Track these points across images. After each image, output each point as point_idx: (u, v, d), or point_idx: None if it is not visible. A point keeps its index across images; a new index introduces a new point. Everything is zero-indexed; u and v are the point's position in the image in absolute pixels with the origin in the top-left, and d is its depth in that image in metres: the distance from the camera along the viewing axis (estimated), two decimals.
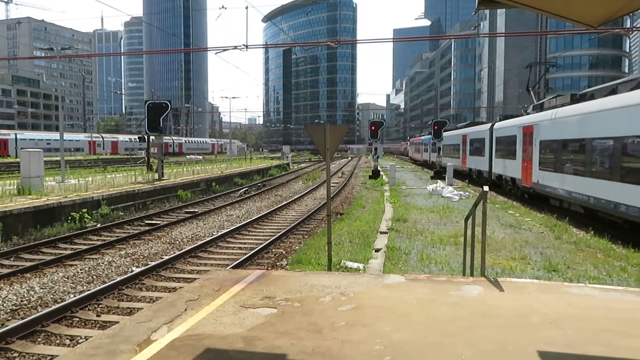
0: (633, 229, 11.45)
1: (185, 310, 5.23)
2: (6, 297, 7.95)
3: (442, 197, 20.00)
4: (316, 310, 5.21)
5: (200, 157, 76.43)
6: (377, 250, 9.76)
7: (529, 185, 18.68)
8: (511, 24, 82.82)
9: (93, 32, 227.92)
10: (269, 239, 12.57)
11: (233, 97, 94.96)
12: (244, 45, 23.77)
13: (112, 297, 8.06)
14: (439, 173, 32.56)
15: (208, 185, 25.92)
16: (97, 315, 7.21)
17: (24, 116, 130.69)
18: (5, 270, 9.59)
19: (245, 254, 11.04)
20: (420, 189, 23.96)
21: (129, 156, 66.45)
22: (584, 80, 79.42)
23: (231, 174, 30.46)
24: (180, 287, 7.77)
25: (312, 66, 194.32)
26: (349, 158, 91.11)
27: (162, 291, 8.50)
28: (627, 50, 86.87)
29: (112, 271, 9.75)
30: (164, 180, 23.71)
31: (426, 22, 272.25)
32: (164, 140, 33.42)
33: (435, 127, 34.73)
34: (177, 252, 10.98)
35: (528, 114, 21.07)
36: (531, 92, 23.71)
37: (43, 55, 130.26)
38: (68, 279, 9.09)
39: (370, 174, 34.18)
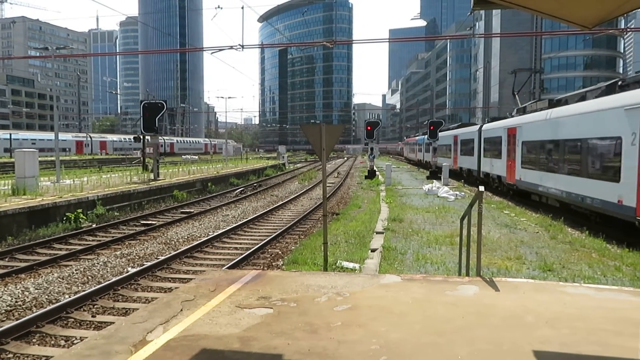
0: (601, 220, 12.79)
1: (181, 310, 5.22)
2: (1, 297, 7.91)
3: (438, 197, 20.04)
4: (312, 310, 5.21)
5: (196, 157, 75.98)
6: (373, 250, 9.77)
7: (513, 183, 20.11)
8: (506, 25, 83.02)
9: (88, 31, 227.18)
10: (264, 239, 12.56)
11: (229, 97, 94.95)
12: (239, 45, 23.74)
13: (107, 297, 8.03)
14: (434, 173, 32.64)
15: (204, 185, 25.87)
16: (93, 316, 7.19)
17: (19, 116, 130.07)
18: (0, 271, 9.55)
19: (241, 254, 11.03)
20: (416, 189, 24.00)
21: (125, 156, 66.15)
22: (578, 81, 79.72)
23: (227, 174, 30.42)
24: (176, 288, 7.76)
25: (308, 66, 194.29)
26: (345, 158, 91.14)
27: (157, 292, 8.48)
28: (622, 51, 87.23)
29: (107, 272, 9.72)
30: (159, 180, 23.66)
31: (422, 23, 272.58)
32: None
33: (431, 127, 34.75)
34: (173, 253, 10.96)
35: (513, 116, 22.54)
36: (516, 96, 24.91)
37: (38, 54, 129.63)
38: (63, 279, 9.06)
39: (366, 174, 34.20)
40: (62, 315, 7.06)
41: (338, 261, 8.86)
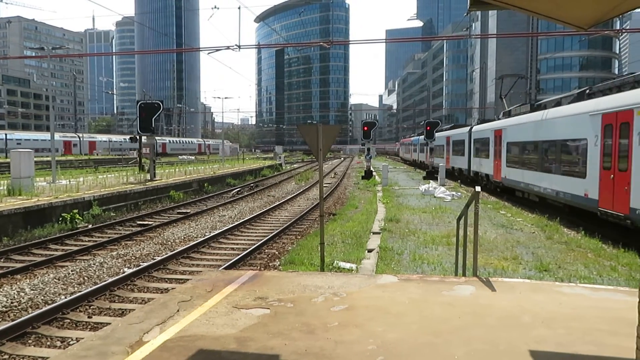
0: (571, 211, 14.70)
1: (178, 311, 5.21)
2: None
3: (435, 197, 20.07)
4: (309, 310, 5.21)
5: (193, 157, 75.64)
6: (369, 251, 9.78)
7: (499, 180, 21.70)
8: (503, 26, 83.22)
9: (84, 31, 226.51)
10: (261, 240, 12.55)
11: (225, 98, 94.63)
12: (236, 45, 23.73)
13: (103, 298, 8.01)
14: (431, 173, 32.72)
15: (200, 185, 25.83)
16: (89, 317, 7.17)
17: (14, 116, 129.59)
18: None
19: (238, 254, 11.02)
20: (413, 189, 24.03)
21: (121, 156, 65.89)
22: (574, 81, 79.96)
23: (223, 175, 30.38)
24: (172, 288, 7.74)
25: (305, 66, 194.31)
26: (342, 158, 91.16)
27: (154, 292, 8.46)
28: (617, 52, 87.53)
29: (103, 272, 9.70)
30: (155, 180, 23.61)
31: (418, 23, 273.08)
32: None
33: (428, 128, 34.87)
34: (170, 253, 10.93)
35: (499, 119, 24.29)
36: (503, 99, 26.21)
37: (33, 54, 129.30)
38: (59, 280, 9.03)
39: (363, 174, 34.23)
40: (58, 316, 7.04)
41: (335, 261, 8.86)
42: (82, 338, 5.67)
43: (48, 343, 6.28)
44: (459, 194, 20.92)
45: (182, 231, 14.24)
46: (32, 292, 8.28)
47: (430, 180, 28.58)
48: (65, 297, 7.95)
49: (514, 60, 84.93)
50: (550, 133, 15.80)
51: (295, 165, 59.79)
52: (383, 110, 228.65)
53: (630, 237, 11.16)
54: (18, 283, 8.82)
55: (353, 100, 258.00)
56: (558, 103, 16.49)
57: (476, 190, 6.32)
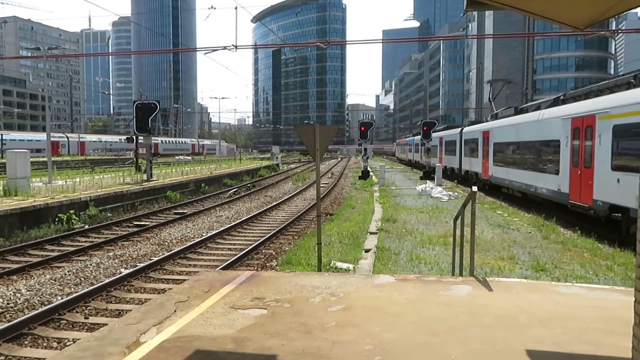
0: (550, 204, 16.05)
1: (175, 311, 5.20)
2: None
3: (432, 197, 20.10)
4: (306, 310, 5.21)
5: (189, 157, 75.42)
6: (366, 251, 9.78)
7: (487, 178, 23.18)
8: (499, 26, 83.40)
9: (81, 31, 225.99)
10: (258, 240, 12.54)
11: (222, 98, 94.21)
12: (233, 45, 23.71)
13: (100, 299, 7.99)
14: (428, 173, 32.79)
15: (197, 186, 25.80)
16: (85, 318, 7.15)
17: (10, 116, 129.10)
18: None
19: (235, 255, 11.01)
20: (410, 189, 24.06)
21: (117, 157, 65.66)
22: (570, 82, 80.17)
23: (220, 175, 30.35)
24: (169, 289, 7.73)
25: (302, 67, 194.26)
26: (339, 159, 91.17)
27: (151, 293, 8.44)
28: (613, 52, 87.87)
29: (100, 273, 9.67)
30: (152, 181, 23.57)
31: (415, 24, 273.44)
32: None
33: (425, 128, 34.97)
34: (166, 254, 10.91)
35: (488, 121, 25.94)
36: (492, 102, 28.02)
37: (29, 54, 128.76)
38: (55, 281, 9.00)
39: (360, 174, 34.25)
40: (54, 317, 7.02)
41: (332, 262, 8.86)
42: (79, 339, 5.65)
43: (44, 344, 6.26)
44: (456, 194, 20.96)
45: (179, 231, 14.21)
46: (28, 292, 8.25)
47: (427, 180, 28.62)
48: (62, 298, 7.93)
49: (510, 61, 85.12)
50: (530, 134, 17.36)
51: (292, 166, 59.78)
52: (380, 111, 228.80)
53: (596, 226, 12.62)
54: (14, 284, 8.79)
55: (350, 100, 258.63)
56: (537, 107, 17.99)
57: (473, 190, 6.33)
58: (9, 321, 6.91)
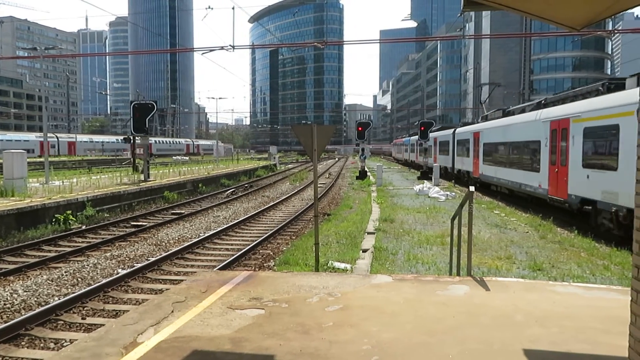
0: (533, 200, 17.36)
1: (172, 312, 5.19)
2: None
3: (429, 197, 20.11)
4: (304, 310, 5.21)
5: (187, 158, 75.23)
6: (364, 251, 9.78)
7: (477, 176, 24.42)
8: (496, 26, 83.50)
9: (77, 31, 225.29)
10: (256, 240, 12.54)
11: (220, 98, 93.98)
12: (230, 45, 23.69)
13: (97, 299, 7.98)
14: (425, 173, 32.84)
15: (194, 186, 25.77)
16: (82, 318, 7.13)
17: (7, 117, 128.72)
18: None
19: (233, 255, 11.00)
20: (407, 189, 24.08)
21: (114, 157, 65.44)
22: (567, 82, 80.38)
23: (218, 175, 30.32)
24: (166, 289, 7.71)
25: (299, 67, 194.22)
26: (337, 159, 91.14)
27: (148, 293, 8.43)
28: (610, 52, 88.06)
29: (97, 273, 9.65)
30: (149, 181, 23.53)
31: (412, 24, 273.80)
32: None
33: (422, 128, 35.02)
34: (164, 254, 10.90)
35: (478, 122, 27.34)
36: (483, 105, 29.56)
37: (26, 55, 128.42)
38: (52, 281, 8.98)
39: (358, 174, 34.25)
40: (51, 318, 7.00)
41: (329, 261, 8.86)
42: (76, 339, 5.64)
43: (41, 345, 6.24)
44: (453, 193, 20.98)
45: (176, 232, 14.19)
46: (25, 293, 8.23)
47: (425, 180, 28.65)
48: (59, 299, 7.91)
49: (507, 61, 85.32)
50: (515, 135, 18.72)
51: (290, 166, 59.75)
52: (377, 111, 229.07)
53: (575, 218, 13.95)
54: (11, 285, 8.77)
55: (347, 100, 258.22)
56: (522, 110, 19.53)
57: (470, 190, 6.34)
58: (5, 322, 6.89)
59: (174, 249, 11.33)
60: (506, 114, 21.96)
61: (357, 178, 33.04)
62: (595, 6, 3.44)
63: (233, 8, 27.66)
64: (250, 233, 14.13)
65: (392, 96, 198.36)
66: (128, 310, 6.51)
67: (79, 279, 9.22)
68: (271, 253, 11.56)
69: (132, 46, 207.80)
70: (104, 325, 5.07)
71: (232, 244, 12.53)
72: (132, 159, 31.85)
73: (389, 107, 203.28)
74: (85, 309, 7.54)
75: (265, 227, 15.20)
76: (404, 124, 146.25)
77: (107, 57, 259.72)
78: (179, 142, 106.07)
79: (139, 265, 9.90)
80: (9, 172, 17.15)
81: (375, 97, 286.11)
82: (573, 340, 4.39)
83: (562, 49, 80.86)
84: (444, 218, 14.17)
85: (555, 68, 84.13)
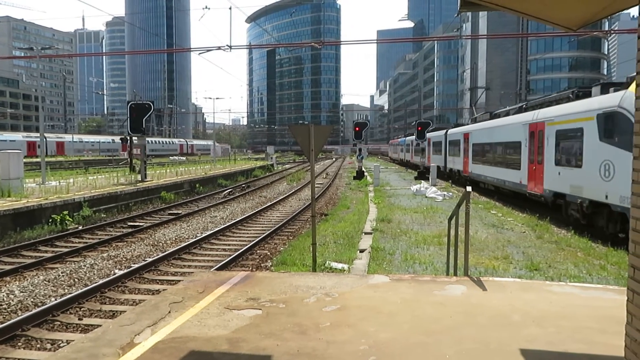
0: (515, 195, 19.19)
1: (169, 312, 5.19)
2: None
3: (426, 197, 20.14)
4: (301, 311, 5.21)
5: (184, 158, 75.05)
6: (361, 251, 9.79)
7: (467, 174, 26.03)
8: (493, 26, 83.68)
9: (74, 31, 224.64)
10: (253, 241, 12.53)
11: (217, 98, 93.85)
12: (227, 45, 23.67)
13: (94, 300, 7.96)
14: (422, 173, 32.88)
15: (192, 186, 25.73)
16: (79, 319, 7.11)
17: (3, 117, 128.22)
18: None
19: (230, 255, 10.99)
20: (404, 189, 24.10)
21: (111, 157, 65.22)
22: (564, 82, 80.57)
23: (215, 175, 30.29)
24: (163, 290, 7.70)
25: (296, 67, 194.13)
26: (334, 159, 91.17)
27: (145, 294, 8.42)
28: (606, 53, 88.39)
29: (94, 274, 9.63)
30: (146, 181, 23.49)
31: (409, 24, 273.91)
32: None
33: (419, 128, 35.13)
34: (161, 254, 10.88)
35: (469, 124, 29.34)
36: (473, 107, 31.71)
37: (22, 55, 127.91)
38: (49, 282, 8.95)
39: (355, 174, 34.28)
40: (48, 319, 6.98)
41: (327, 262, 8.86)
42: (73, 340, 5.63)
43: (38, 345, 6.23)
44: (450, 193, 21.01)
45: (173, 232, 14.17)
46: (21, 294, 8.20)
47: (422, 181, 28.69)
48: (56, 299, 7.89)
49: (504, 61, 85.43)
50: (500, 137, 20.39)
51: (287, 166, 59.73)
52: (374, 111, 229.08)
53: (550, 211, 15.09)
54: (7, 285, 8.74)
55: (344, 100, 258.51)
56: (507, 113, 21.29)
57: (467, 190, 6.35)
58: (2, 323, 6.87)
59: (171, 250, 11.31)
60: (493, 116, 23.71)
61: (355, 178, 33.06)
62: (592, 7, 3.45)
63: (230, 8, 27.64)
64: (248, 233, 14.12)
65: (389, 96, 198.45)
66: (125, 311, 6.50)
67: (76, 280, 9.19)
68: (268, 253, 11.56)
69: (129, 46, 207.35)
70: (100, 325, 5.06)
71: (229, 245, 12.51)
72: (129, 159, 31.76)
73: (386, 107, 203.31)
74: (82, 309, 7.52)
75: (262, 227, 15.19)
76: (401, 124, 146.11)
77: (104, 57, 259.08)
78: (172, 142, 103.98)
79: (136, 265, 9.88)
80: (5, 172, 17.10)
81: (372, 97, 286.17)
82: (570, 340, 4.40)
83: (559, 49, 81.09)
84: (441, 218, 14.19)
85: (552, 68, 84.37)
